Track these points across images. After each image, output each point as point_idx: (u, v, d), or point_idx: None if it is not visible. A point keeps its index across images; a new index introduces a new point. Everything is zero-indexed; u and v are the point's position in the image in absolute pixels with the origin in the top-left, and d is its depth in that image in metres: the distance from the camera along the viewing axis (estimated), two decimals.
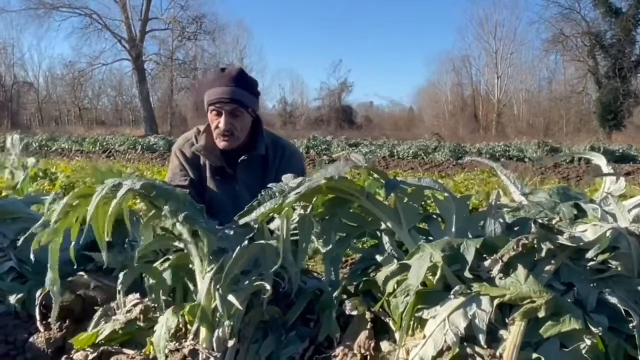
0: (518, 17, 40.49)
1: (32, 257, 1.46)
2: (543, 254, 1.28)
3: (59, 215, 1.43)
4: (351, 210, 1.52)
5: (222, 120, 2.46)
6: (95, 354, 1.44)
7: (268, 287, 1.43)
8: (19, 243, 1.56)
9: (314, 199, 1.46)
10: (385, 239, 1.54)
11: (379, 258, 1.52)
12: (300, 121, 43.90)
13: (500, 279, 1.26)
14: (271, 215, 1.48)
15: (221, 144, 2.53)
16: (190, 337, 1.44)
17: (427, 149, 16.94)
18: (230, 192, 2.59)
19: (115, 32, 34.57)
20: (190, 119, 35.07)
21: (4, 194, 2.18)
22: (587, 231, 1.30)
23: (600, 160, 1.61)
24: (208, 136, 2.58)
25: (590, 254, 1.28)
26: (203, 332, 1.41)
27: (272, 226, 1.55)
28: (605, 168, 1.60)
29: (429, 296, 1.28)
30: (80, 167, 7.86)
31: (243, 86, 2.48)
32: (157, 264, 1.57)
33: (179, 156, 2.64)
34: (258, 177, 2.55)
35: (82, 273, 1.76)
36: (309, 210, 1.48)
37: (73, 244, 1.49)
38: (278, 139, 2.79)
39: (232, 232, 1.51)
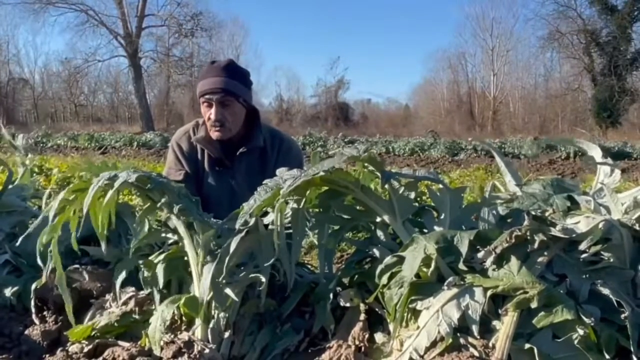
0: (514, 14, 40.83)
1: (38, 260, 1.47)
2: (536, 246, 1.28)
3: (56, 210, 1.44)
4: (345, 203, 1.53)
5: (213, 110, 2.48)
6: (91, 346, 1.44)
7: (263, 279, 1.44)
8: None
9: (307, 192, 1.47)
10: (379, 231, 1.55)
11: (373, 250, 1.53)
12: (297, 118, 43.80)
13: (493, 270, 1.26)
14: (265, 209, 1.49)
15: (214, 134, 2.55)
16: (186, 329, 1.44)
17: (423, 146, 16.97)
18: (227, 185, 2.61)
19: (111, 28, 34.46)
20: (186, 116, 34.98)
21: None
22: (580, 223, 1.30)
23: (594, 151, 1.59)
24: (207, 127, 2.60)
25: (582, 246, 1.29)
26: (198, 323, 1.42)
27: (266, 220, 1.56)
28: (600, 159, 1.58)
29: (423, 287, 1.29)
30: (75, 163, 7.85)
31: (232, 76, 2.49)
32: (152, 257, 1.57)
33: (176, 149, 2.65)
34: (256, 170, 2.57)
35: (77, 266, 1.76)
36: (301, 203, 1.48)
37: (73, 235, 1.49)
38: (276, 132, 2.80)
39: (227, 226, 1.52)
